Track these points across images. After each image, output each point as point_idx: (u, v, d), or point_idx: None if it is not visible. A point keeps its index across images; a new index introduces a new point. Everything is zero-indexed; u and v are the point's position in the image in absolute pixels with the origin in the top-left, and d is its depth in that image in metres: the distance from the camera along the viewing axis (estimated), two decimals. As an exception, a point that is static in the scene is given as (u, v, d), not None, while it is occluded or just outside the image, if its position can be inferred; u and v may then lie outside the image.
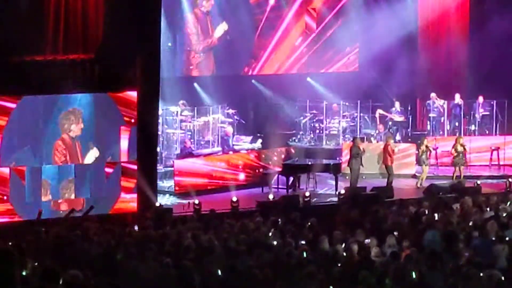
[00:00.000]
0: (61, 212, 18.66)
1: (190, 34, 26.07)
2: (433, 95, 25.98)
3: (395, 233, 14.87)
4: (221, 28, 26.26)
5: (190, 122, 24.46)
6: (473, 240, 13.98)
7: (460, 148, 23.10)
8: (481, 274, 11.08)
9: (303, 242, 14.08)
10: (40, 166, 18.82)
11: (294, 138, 26.34)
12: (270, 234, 14.96)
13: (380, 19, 26.33)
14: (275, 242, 14.13)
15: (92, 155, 19.27)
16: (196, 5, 26.15)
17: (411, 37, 26.94)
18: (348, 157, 22.64)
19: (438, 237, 14.23)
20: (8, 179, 18.55)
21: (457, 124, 26.09)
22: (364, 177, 22.67)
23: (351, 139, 23.69)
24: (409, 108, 26.45)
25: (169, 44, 25.58)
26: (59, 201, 19.13)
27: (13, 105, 18.52)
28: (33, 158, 18.73)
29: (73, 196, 19.18)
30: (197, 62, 26.40)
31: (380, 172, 23.28)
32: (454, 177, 22.93)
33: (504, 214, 16.22)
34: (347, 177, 22.78)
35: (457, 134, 25.12)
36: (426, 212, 16.74)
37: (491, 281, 10.71)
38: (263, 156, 23.48)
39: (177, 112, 24.14)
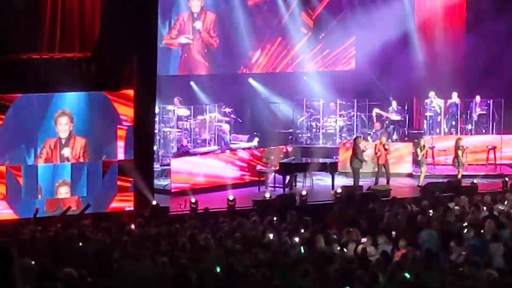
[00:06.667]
0: (57, 211, 18.60)
1: (187, 33, 26.04)
2: (431, 94, 25.96)
3: (392, 232, 14.89)
4: (218, 27, 26.25)
5: (186, 120, 24.44)
6: (469, 239, 13.98)
7: (458, 151, 22.95)
8: (477, 273, 11.10)
9: (299, 240, 14.08)
10: (33, 164, 18.78)
11: (290, 137, 26.30)
12: (267, 232, 14.96)
13: (377, 18, 26.32)
14: (271, 240, 14.13)
15: (83, 154, 19.22)
16: (192, 5, 26.10)
17: (408, 36, 26.93)
18: (347, 155, 22.66)
19: (434, 236, 14.25)
20: (4, 178, 18.52)
21: (453, 123, 26.08)
22: (361, 176, 22.64)
23: (353, 138, 23.63)
24: (406, 107, 26.43)
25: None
26: (55, 199, 19.09)
27: (9, 102, 18.47)
28: (27, 157, 18.68)
29: (69, 195, 19.15)
30: (194, 61, 26.36)
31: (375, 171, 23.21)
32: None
33: (501, 213, 16.24)
34: (342, 176, 22.81)
35: (454, 133, 25.10)
36: (423, 211, 16.75)
37: (487, 280, 10.72)
38: (260, 155, 23.45)
39: (173, 110, 24.11)
